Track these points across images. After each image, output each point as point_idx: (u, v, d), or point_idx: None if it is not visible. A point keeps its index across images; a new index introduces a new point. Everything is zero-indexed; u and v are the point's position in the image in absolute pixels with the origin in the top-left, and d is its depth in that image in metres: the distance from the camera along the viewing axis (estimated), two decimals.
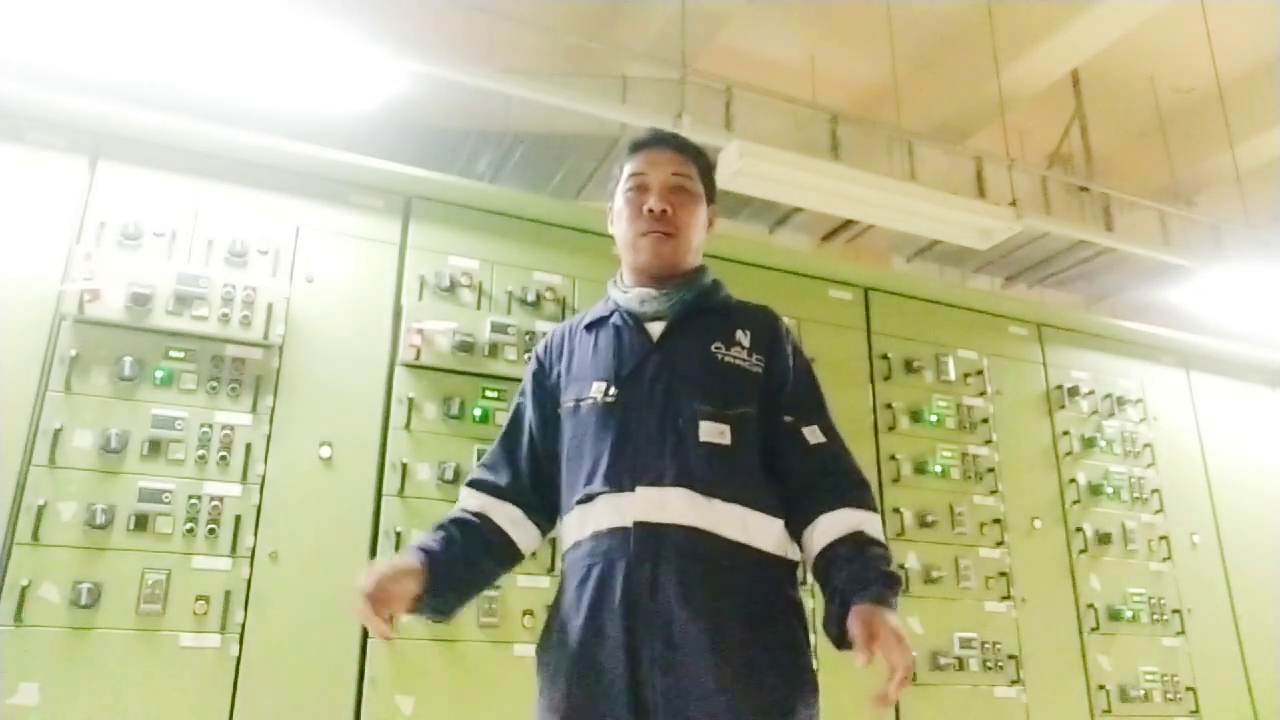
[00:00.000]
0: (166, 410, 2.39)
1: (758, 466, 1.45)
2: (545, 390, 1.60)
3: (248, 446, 2.44)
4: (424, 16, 3.12)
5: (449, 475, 2.61)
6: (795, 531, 1.43)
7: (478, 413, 2.71)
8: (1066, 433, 3.65)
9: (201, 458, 2.39)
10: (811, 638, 1.41)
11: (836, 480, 1.44)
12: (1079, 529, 3.52)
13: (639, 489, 1.39)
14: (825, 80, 4.39)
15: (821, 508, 1.40)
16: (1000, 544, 3.34)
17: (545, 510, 1.56)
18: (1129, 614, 3.47)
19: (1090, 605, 3.42)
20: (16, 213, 2.40)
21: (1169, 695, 3.43)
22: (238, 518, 2.38)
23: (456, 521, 1.50)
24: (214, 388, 2.45)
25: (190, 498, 2.35)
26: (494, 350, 2.75)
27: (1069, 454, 3.63)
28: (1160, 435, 3.85)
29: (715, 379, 1.46)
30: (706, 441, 1.41)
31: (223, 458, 2.41)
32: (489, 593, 2.56)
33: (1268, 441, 4.12)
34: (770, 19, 4.08)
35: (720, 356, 1.48)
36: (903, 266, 4.35)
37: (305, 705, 2.33)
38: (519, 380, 2.73)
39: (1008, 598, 3.28)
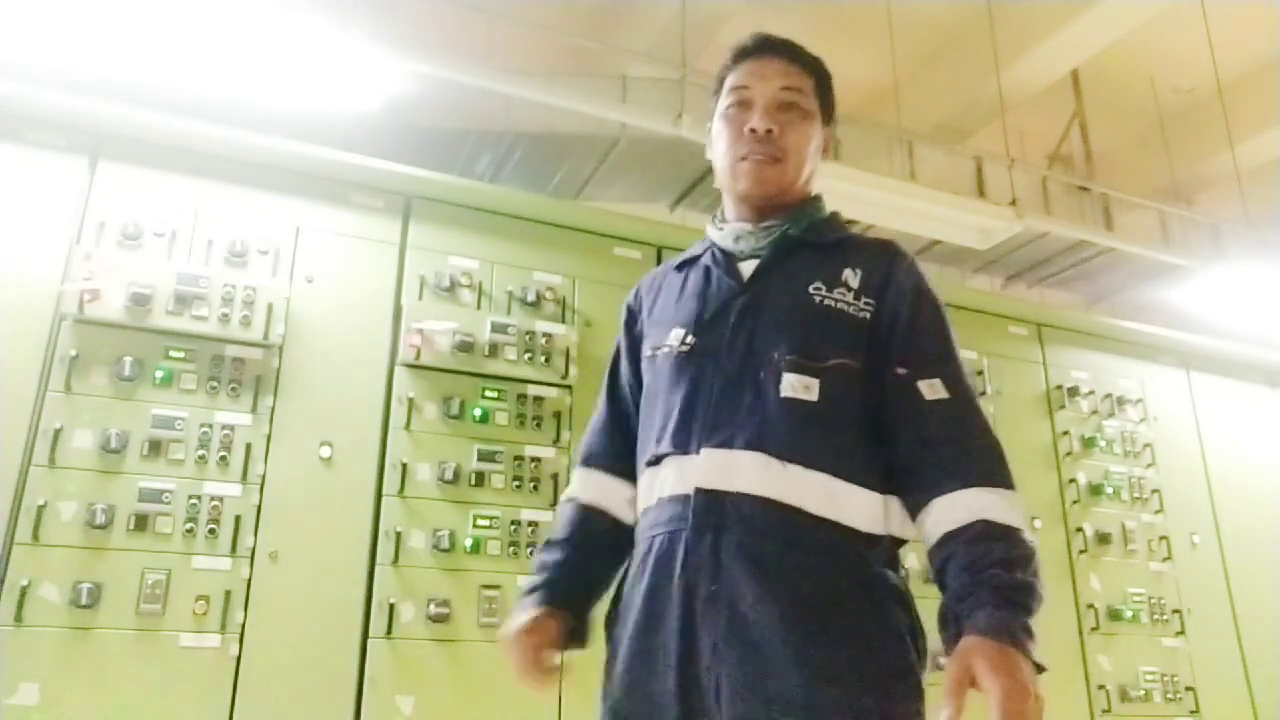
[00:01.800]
0: (166, 410, 2.39)
1: (855, 429, 1.21)
2: (635, 340, 1.43)
3: (248, 446, 2.44)
4: (424, 16, 3.12)
5: (449, 475, 2.61)
6: (911, 513, 1.20)
7: (478, 413, 2.71)
8: (1066, 433, 3.65)
9: (201, 458, 2.39)
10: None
11: (956, 449, 1.17)
12: (1079, 529, 3.52)
13: (704, 451, 1.20)
14: None
15: (935, 489, 1.15)
16: None
17: None
18: (1129, 614, 3.47)
19: (1090, 605, 3.42)
20: (16, 213, 2.40)
21: (1169, 695, 3.43)
22: (238, 518, 2.38)
23: (576, 537, 1.37)
24: (214, 388, 2.45)
25: (190, 498, 2.35)
26: (494, 350, 2.75)
27: (1069, 454, 3.63)
28: (1160, 435, 3.84)
29: (808, 324, 1.24)
30: (788, 397, 1.20)
31: (223, 458, 2.41)
32: (489, 592, 2.57)
33: (1268, 441, 4.11)
34: (770, 19, 4.07)
35: (819, 299, 1.26)
36: None
37: (305, 705, 2.33)
38: (519, 380, 2.78)
39: None
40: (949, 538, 1.12)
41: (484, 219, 2.94)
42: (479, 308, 2.84)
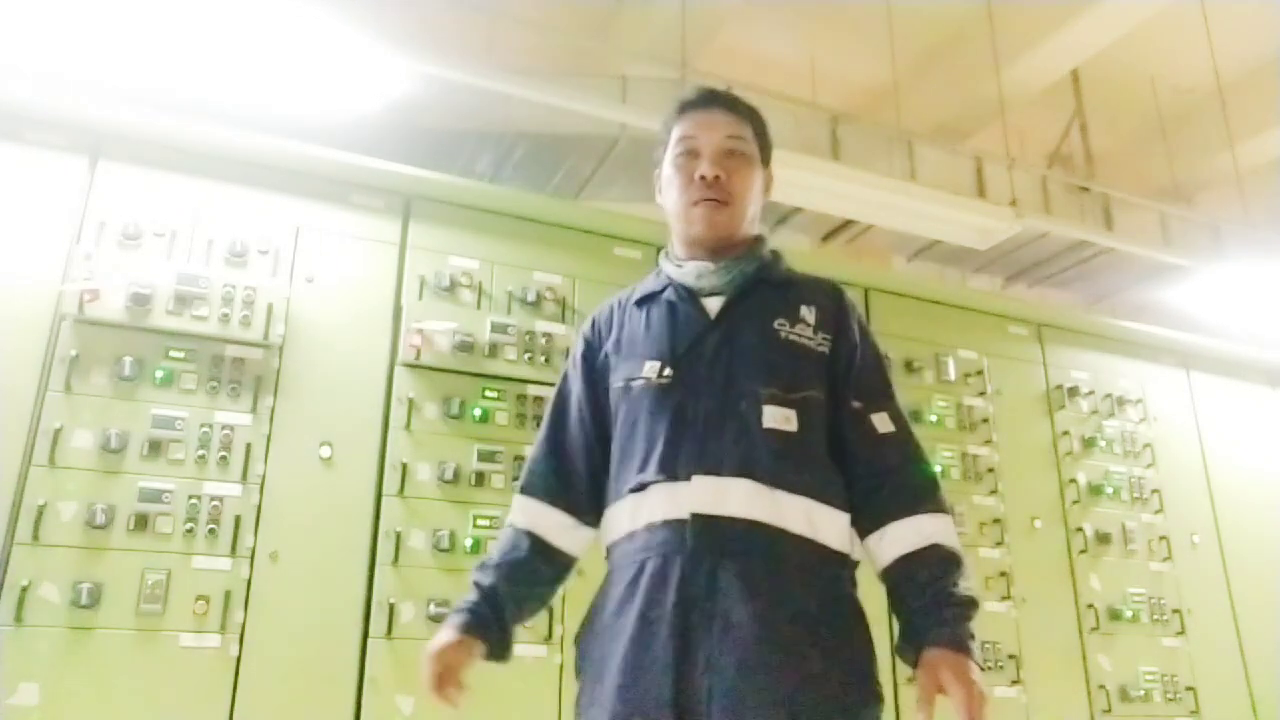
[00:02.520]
0: (166, 410, 2.39)
1: (825, 455, 1.35)
2: (595, 370, 1.49)
3: (248, 446, 2.44)
4: (424, 16, 3.12)
5: (449, 475, 2.61)
6: (861, 533, 1.33)
7: (478, 413, 2.71)
8: (1066, 433, 3.65)
9: (201, 458, 2.39)
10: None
11: (906, 479, 1.34)
12: (1079, 529, 3.52)
13: (695, 478, 1.29)
14: (825, 80, 4.39)
15: (891, 513, 1.31)
16: (1000, 544, 3.34)
17: (598, 506, 1.46)
18: (1129, 614, 3.47)
19: (1090, 605, 3.42)
20: (16, 213, 2.40)
21: (1169, 695, 3.43)
22: (238, 518, 2.38)
23: (504, 563, 1.43)
24: (214, 388, 2.45)
25: (190, 498, 2.35)
26: (494, 350, 2.75)
27: (1069, 454, 3.63)
28: (1160, 435, 3.85)
29: (779, 359, 1.36)
30: (771, 428, 1.31)
31: (223, 458, 2.41)
32: None
33: (1268, 441, 4.12)
34: (770, 19, 4.08)
35: (784, 334, 1.38)
36: (903, 266, 4.35)
37: (305, 705, 2.33)
38: (519, 380, 2.78)
39: (1008, 598, 3.28)
40: (910, 557, 1.28)
41: (484, 219, 2.94)
42: (479, 308, 2.84)
